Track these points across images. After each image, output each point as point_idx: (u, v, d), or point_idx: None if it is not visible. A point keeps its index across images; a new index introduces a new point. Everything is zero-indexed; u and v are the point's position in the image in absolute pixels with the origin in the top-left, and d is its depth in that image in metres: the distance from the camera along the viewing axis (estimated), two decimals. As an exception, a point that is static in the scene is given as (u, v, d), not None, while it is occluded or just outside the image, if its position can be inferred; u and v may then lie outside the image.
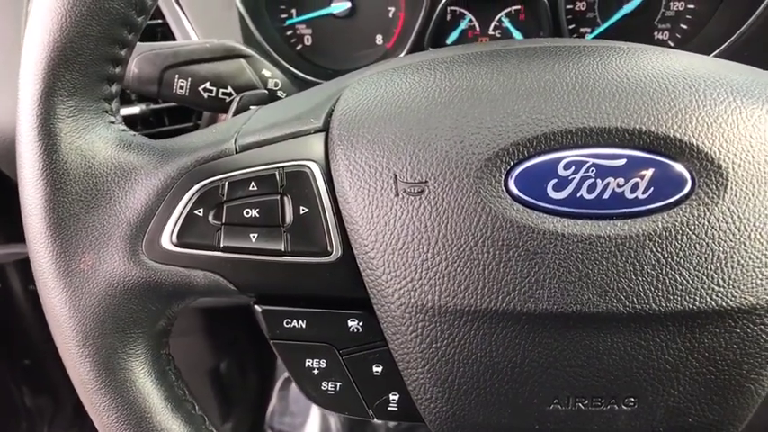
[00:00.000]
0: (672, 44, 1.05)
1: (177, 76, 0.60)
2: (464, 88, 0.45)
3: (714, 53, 0.94)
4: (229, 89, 0.59)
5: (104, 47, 0.43)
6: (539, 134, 0.42)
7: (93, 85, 0.44)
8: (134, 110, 0.83)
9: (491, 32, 1.05)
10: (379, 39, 1.07)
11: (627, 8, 1.01)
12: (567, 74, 0.45)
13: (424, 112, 0.45)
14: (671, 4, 1.03)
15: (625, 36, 1.04)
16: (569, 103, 0.43)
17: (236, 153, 0.46)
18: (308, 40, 1.06)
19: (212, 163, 0.45)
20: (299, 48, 1.07)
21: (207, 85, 0.58)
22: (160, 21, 0.90)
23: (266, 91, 0.61)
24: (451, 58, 0.50)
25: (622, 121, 0.42)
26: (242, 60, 0.60)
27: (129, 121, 0.86)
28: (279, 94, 0.62)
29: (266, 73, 0.61)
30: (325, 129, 0.47)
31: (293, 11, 1.04)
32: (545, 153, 0.42)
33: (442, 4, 0.97)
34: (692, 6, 1.02)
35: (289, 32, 1.06)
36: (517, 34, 1.03)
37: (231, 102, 0.58)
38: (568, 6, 1.02)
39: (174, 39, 0.89)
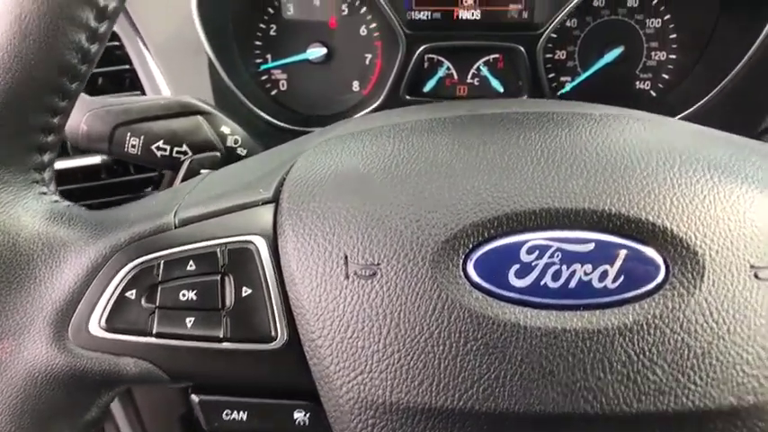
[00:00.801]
0: (653, 93, 1.03)
1: (129, 133, 0.56)
2: (423, 161, 0.42)
3: (696, 105, 0.92)
4: (185, 147, 0.55)
5: (33, 116, 0.40)
6: (500, 214, 0.38)
7: (20, 155, 0.41)
8: (95, 159, 0.80)
9: (469, 80, 1.03)
10: (355, 85, 1.04)
11: (607, 58, 1.00)
12: (533, 147, 0.42)
13: (380, 186, 0.41)
14: (652, 53, 1.01)
15: (606, 86, 1.03)
16: (534, 181, 0.39)
17: (176, 228, 0.42)
18: (283, 85, 1.04)
19: (148, 239, 0.42)
20: (273, 93, 1.04)
21: (160, 143, 0.55)
22: (127, 67, 0.87)
23: (218, 154, 0.57)
24: (413, 124, 0.47)
25: (590, 201, 0.38)
26: (199, 117, 0.57)
27: (93, 171, 0.83)
28: (239, 152, 0.59)
29: (225, 129, 0.58)
30: (275, 200, 0.43)
31: (268, 56, 1.02)
32: (507, 235, 0.38)
33: (419, 51, 0.95)
34: (673, 57, 1.01)
35: (263, 77, 1.03)
36: (496, 83, 1.01)
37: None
38: (548, 55, 1.01)
39: (141, 86, 0.86)
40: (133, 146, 0.55)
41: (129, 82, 0.88)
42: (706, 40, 0.95)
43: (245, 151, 0.60)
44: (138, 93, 0.86)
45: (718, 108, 0.91)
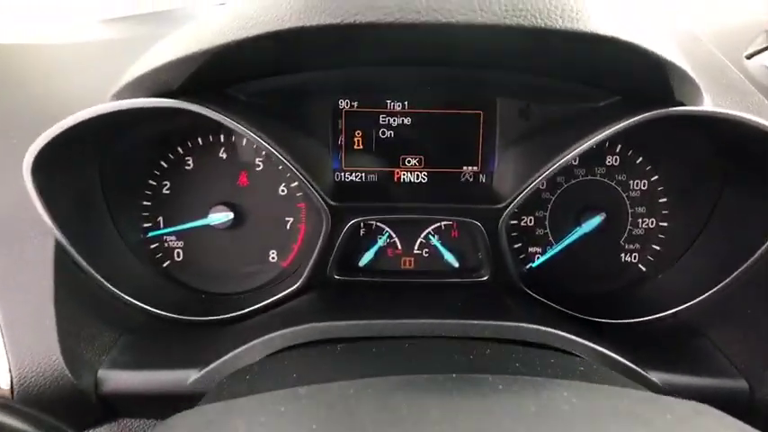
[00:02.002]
0: (643, 268, 0.83)
1: None
2: None
3: (702, 296, 0.72)
4: None
5: None
6: None
7: None
8: None
9: (416, 251, 0.82)
10: (272, 255, 0.82)
11: (585, 227, 0.79)
12: None
13: None
14: (639, 220, 0.82)
15: (586, 258, 0.83)
16: None
17: None
18: (178, 255, 0.81)
19: None
20: (165, 264, 0.81)
21: None
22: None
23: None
24: None
25: None
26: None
27: None
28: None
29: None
30: None
31: (159, 220, 0.79)
32: None
33: (349, 225, 0.74)
34: (665, 224, 0.82)
35: (153, 245, 0.80)
36: (449, 257, 0.80)
37: None
38: (512, 221, 0.81)
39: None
40: None
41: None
42: (709, 209, 0.76)
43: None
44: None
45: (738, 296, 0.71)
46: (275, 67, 0.65)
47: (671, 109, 0.61)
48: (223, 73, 0.62)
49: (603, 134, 0.64)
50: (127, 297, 0.70)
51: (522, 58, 0.62)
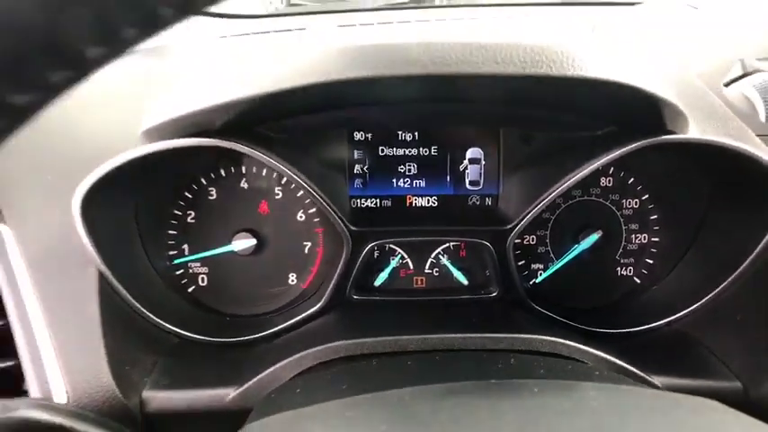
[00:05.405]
0: (638, 280, 0.89)
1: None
2: None
3: (696, 304, 0.78)
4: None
5: None
6: None
7: None
8: None
9: (427, 271, 0.87)
10: (292, 278, 0.87)
11: (584, 244, 0.86)
12: None
13: None
14: (633, 236, 0.89)
15: (585, 272, 0.89)
16: None
17: None
18: (202, 280, 0.85)
19: None
20: (191, 290, 0.85)
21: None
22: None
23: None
24: None
25: None
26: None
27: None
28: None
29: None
30: None
31: (185, 247, 0.84)
32: None
33: (367, 248, 0.79)
34: (656, 240, 0.88)
35: (179, 272, 0.84)
36: (459, 275, 0.86)
37: None
38: (516, 241, 0.86)
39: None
40: None
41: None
42: (697, 224, 0.83)
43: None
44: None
45: (728, 303, 0.77)
46: (309, 109, 0.71)
47: (662, 138, 0.67)
48: (264, 114, 0.67)
49: (603, 160, 0.71)
50: (161, 321, 0.74)
51: (529, 97, 0.68)
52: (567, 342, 0.67)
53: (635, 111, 0.65)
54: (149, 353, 0.71)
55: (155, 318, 0.73)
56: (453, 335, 0.67)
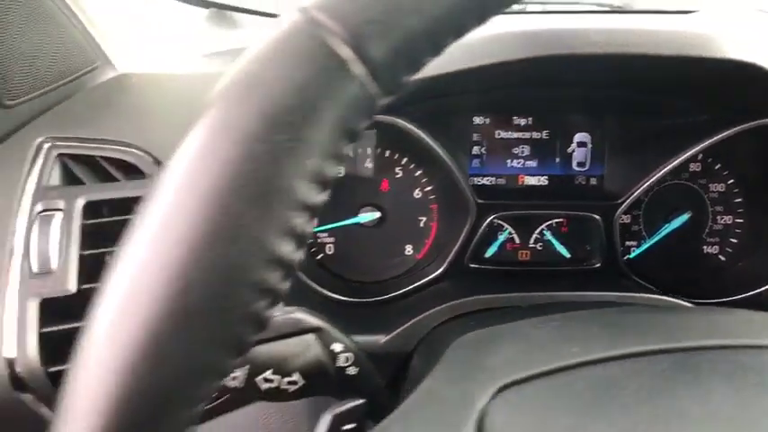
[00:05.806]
0: (722, 258, 0.98)
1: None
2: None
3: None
4: (295, 376, 0.44)
5: None
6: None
7: None
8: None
9: (531, 245, 0.96)
10: (408, 249, 0.96)
11: (674, 224, 0.95)
12: None
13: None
14: (718, 217, 0.97)
15: (673, 250, 0.97)
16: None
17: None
18: (329, 249, 0.95)
19: None
20: (319, 257, 0.95)
21: (268, 373, 0.43)
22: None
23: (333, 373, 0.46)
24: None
25: None
26: (309, 336, 0.46)
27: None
28: (348, 371, 0.48)
29: (336, 347, 0.47)
30: None
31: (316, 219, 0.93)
32: None
33: (488, 220, 0.88)
34: (740, 221, 0.96)
35: (309, 240, 0.94)
36: (562, 249, 0.94)
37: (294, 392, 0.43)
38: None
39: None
40: (234, 378, 0.43)
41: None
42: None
43: (355, 370, 0.48)
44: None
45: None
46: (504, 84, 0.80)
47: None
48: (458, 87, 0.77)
49: (707, 143, 0.80)
50: (308, 281, 0.83)
51: (645, 79, 0.78)
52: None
53: (749, 91, 0.74)
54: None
55: (305, 277, 0.83)
56: (577, 292, 0.76)
